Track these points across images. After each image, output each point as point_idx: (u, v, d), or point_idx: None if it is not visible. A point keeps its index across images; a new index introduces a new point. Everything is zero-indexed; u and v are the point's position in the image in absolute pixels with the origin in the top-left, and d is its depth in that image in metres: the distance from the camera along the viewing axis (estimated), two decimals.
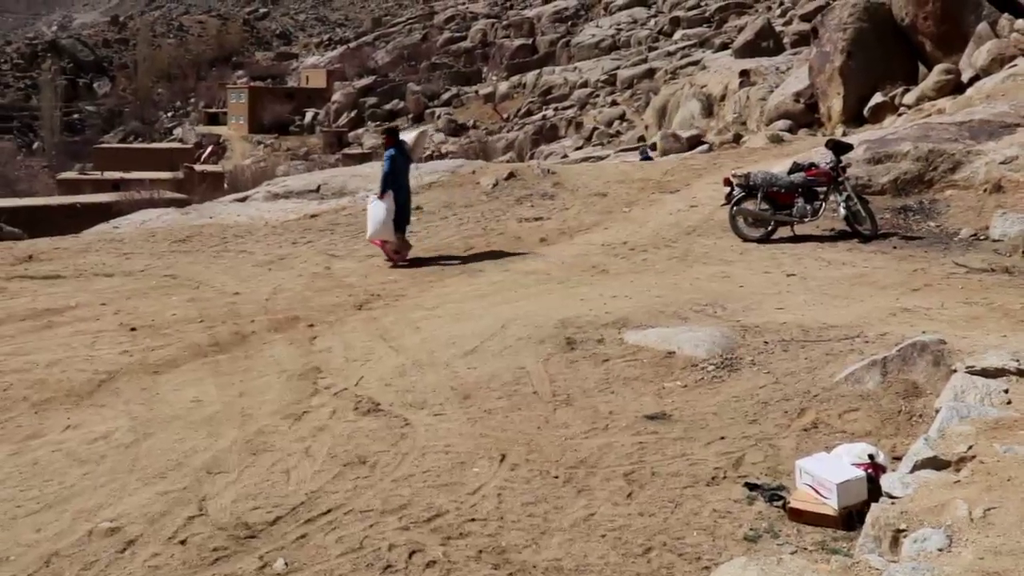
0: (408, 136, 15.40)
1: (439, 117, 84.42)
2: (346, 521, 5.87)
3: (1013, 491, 4.92)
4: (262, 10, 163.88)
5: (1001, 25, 26.09)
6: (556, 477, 6.40)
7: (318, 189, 20.30)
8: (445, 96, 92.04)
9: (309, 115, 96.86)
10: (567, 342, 9.00)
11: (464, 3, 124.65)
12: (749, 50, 47.76)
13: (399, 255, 13.90)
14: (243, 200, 20.56)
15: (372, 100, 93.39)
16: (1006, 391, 6.32)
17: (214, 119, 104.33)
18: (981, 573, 4.20)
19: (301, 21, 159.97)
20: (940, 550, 4.52)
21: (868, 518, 5.14)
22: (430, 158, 39.33)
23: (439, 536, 5.66)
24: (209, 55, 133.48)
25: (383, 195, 13.86)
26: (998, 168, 14.63)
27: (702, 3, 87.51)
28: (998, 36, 25.82)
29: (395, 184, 13.94)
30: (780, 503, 5.91)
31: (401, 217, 13.96)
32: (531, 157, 51.94)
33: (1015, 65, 24.02)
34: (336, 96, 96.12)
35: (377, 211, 13.84)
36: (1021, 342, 7.99)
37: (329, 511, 5.99)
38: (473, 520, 5.84)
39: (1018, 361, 6.85)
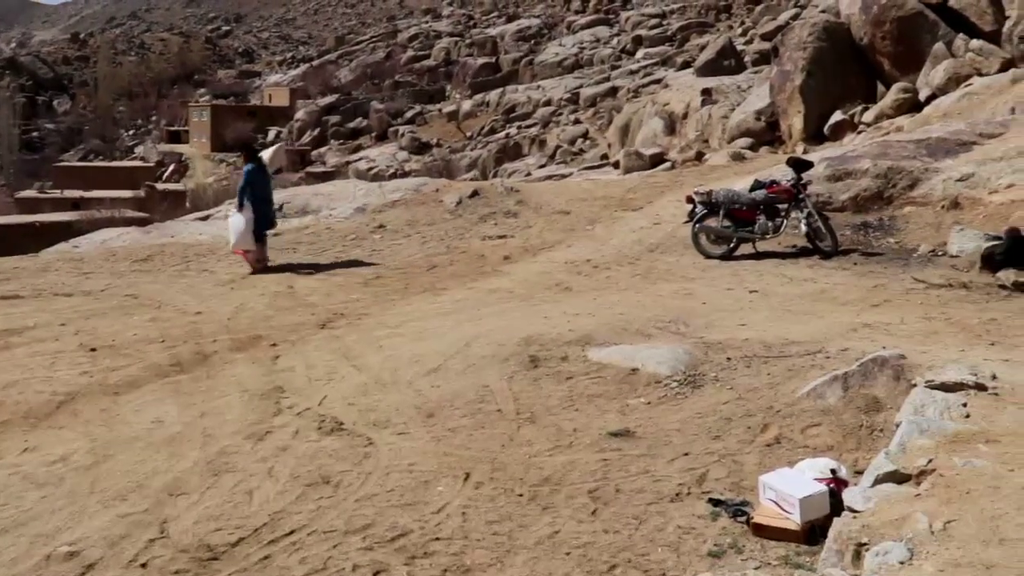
0: (266, 153, 16.98)
1: (403, 135, 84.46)
2: (309, 542, 5.82)
3: (972, 504, 4.97)
4: (225, 28, 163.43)
5: (956, 45, 26.53)
6: (520, 495, 6.39)
7: (281, 208, 20.19)
8: (409, 114, 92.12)
9: (272, 133, 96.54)
10: (531, 360, 9.00)
11: (428, 22, 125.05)
12: (711, 69, 48.22)
13: (260, 263, 14.78)
14: (205, 219, 20.44)
15: (335, 118, 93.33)
16: (965, 405, 6.38)
17: (176, 137, 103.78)
18: None
19: (264, 39, 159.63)
20: (901, 563, 4.55)
21: (831, 532, 5.17)
22: (394, 176, 39.29)
23: (403, 556, 5.63)
24: (171, 73, 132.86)
25: (241, 208, 14.86)
26: (955, 185, 14.83)
27: (664, 22, 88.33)
28: (954, 56, 26.26)
29: (254, 197, 14.91)
30: (744, 518, 5.92)
31: (261, 227, 14.88)
32: (495, 175, 52.08)
33: (970, 84, 24.43)
34: (299, 114, 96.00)
35: (237, 223, 14.80)
36: (979, 357, 8.08)
37: (292, 532, 5.94)
38: (437, 539, 5.81)
39: (976, 375, 6.92)
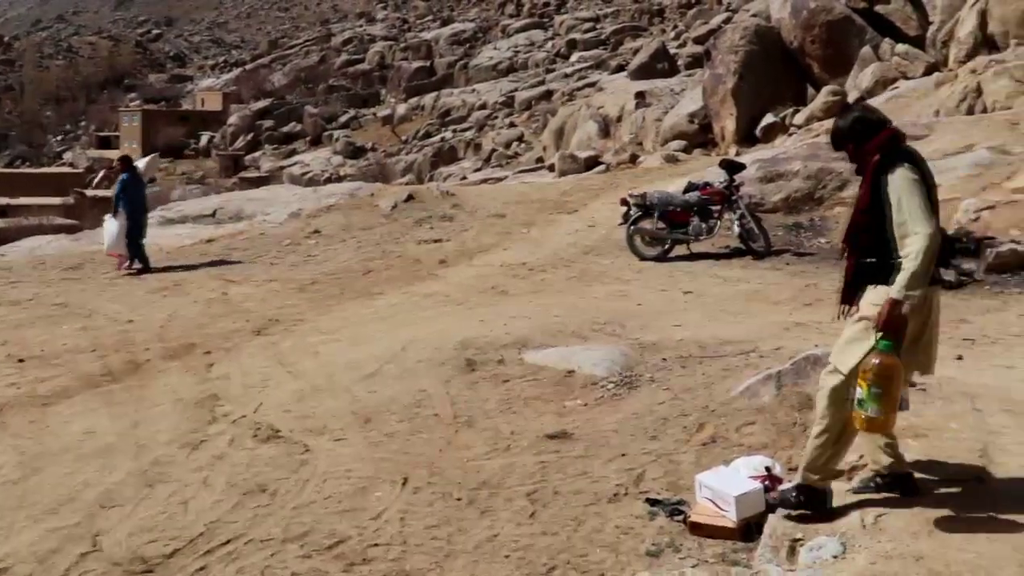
0: (141, 162, 17.84)
1: (337, 140, 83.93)
2: (246, 551, 5.76)
3: (902, 497, 5.08)
4: (155, 32, 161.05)
5: (883, 49, 27.05)
6: (459, 499, 6.38)
7: (214, 214, 20.00)
8: (343, 118, 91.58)
9: (204, 138, 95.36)
10: (467, 363, 9.00)
11: (362, 25, 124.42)
12: (644, 72, 48.56)
13: (129, 266, 15.54)
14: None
15: (269, 123, 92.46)
16: None
17: (106, 143, 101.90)
18: None
19: (196, 43, 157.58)
20: (835, 557, 4.63)
21: (766, 529, 5.24)
22: (328, 180, 39.03)
23: (342, 563, 5.59)
24: (100, 77, 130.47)
25: (116, 214, 15.60)
26: None
27: (598, 26, 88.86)
28: (880, 59, 26.77)
29: (128, 204, 15.67)
30: (681, 517, 5.97)
31: (135, 232, 15.61)
32: (430, 179, 51.97)
33: (897, 87, 24.93)
34: (232, 119, 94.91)
35: (111, 228, 15.64)
36: None
37: (228, 541, 5.87)
38: (376, 545, 5.78)
39: None
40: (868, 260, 5.00)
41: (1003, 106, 19.87)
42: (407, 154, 72.64)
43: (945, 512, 4.89)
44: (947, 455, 5.60)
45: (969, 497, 5.07)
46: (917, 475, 5.31)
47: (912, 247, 4.70)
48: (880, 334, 4.77)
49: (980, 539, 4.60)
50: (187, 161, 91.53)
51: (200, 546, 5.83)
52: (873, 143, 5.06)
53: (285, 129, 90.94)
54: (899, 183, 4.87)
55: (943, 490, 5.17)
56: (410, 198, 19.01)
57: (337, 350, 10.05)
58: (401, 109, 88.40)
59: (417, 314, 11.55)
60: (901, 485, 5.16)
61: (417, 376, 8.82)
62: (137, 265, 15.58)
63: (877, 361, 4.75)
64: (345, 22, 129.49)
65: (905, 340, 4.90)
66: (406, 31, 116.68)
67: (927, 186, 4.99)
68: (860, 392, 4.82)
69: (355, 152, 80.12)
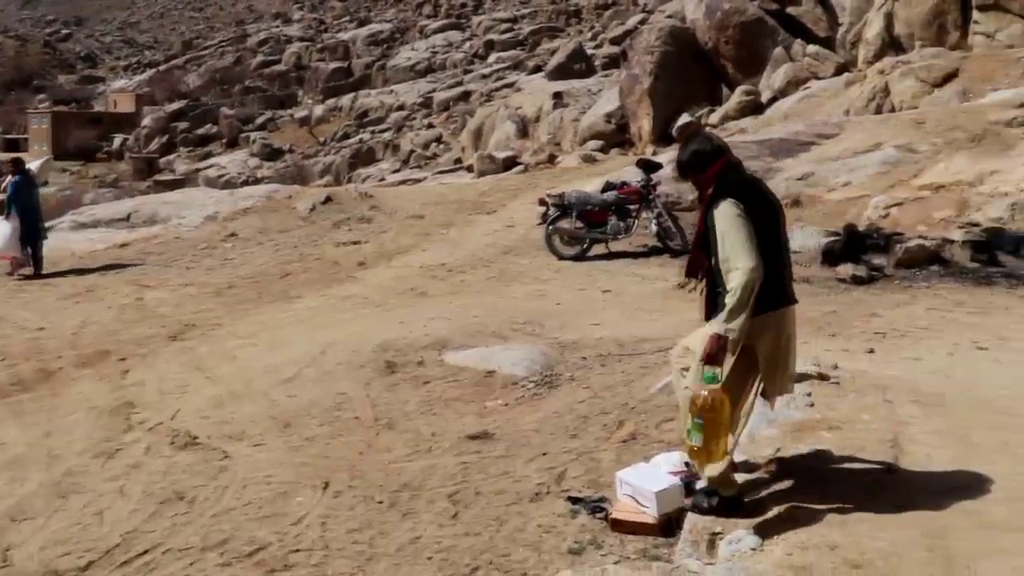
0: (34, 164, 17.90)
1: (254, 141, 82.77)
2: (164, 561, 5.66)
3: (816, 488, 5.19)
4: (64, 31, 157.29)
5: (795, 50, 27.58)
6: (380, 502, 6.35)
7: (128, 217, 19.64)
8: (260, 120, 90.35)
9: (117, 140, 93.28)
10: (387, 366, 8.97)
11: (278, 26, 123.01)
12: (562, 72, 48.84)
13: (23, 268, 15.57)
14: (47, 230, 19.65)
15: (184, 125, 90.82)
16: (808, 395, 6.64)
17: (14, 145, 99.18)
18: (790, 568, 4.40)
19: (107, 43, 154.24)
20: (753, 549, 4.71)
21: (686, 524, 5.31)
22: (245, 183, 38.57)
23: (262, 570, 5.53)
24: (6, 78, 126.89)
25: (8, 216, 15.54)
26: (796, 184, 15.42)
27: (515, 27, 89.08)
28: (793, 60, 27.29)
29: (21, 206, 15.59)
30: (602, 515, 6.01)
31: (29, 235, 15.58)
32: (348, 181, 51.55)
33: (808, 87, 25.44)
34: (146, 121, 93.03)
35: (4, 230, 15.59)
36: (821, 348, 8.42)
37: (146, 551, 5.77)
38: (297, 551, 5.73)
39: (819, 366, 7.21)
40: (718, 290, 5.13)
41: (909, 105, 20.42)
42: (325, 156, 71.92)
43: (858, 502, 5.01)
44: (859, 446, 5.74)
45: (880, 486, 5.20)
46: (832, 466, 5.43)
47: (732, 282, 4.89)
48: (705, 367, 4.98)
49: (891, 527, 4.73)
50: (99, 164, 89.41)
51: (116, 557, 5.72)
52: (708, 174, 5.19)
53: (200, 131, 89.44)
54: (722, 218, 5.02)
55: (856, 480, 5.29)
56: (328, 200, 18.86)
57: (255, 354, 9.94)
58: (318, 110, 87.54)
59: (336, 317, 11.47)
60: (729, 507, 5.26)
61: (336, 379, 8.76)
62: (30, 269, 15.58)
63: (702, 393, 4.98)
64: (261, 22, 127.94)
65: (761, 363, 5.14)
66: (323, 31, 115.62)
67: (766, 214, 5.10)
68: (688, 422, 5.06)
69: (272, 154, 79.09)
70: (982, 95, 19.16)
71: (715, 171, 5.15)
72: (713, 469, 5.20)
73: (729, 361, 5.02)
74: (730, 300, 4.86)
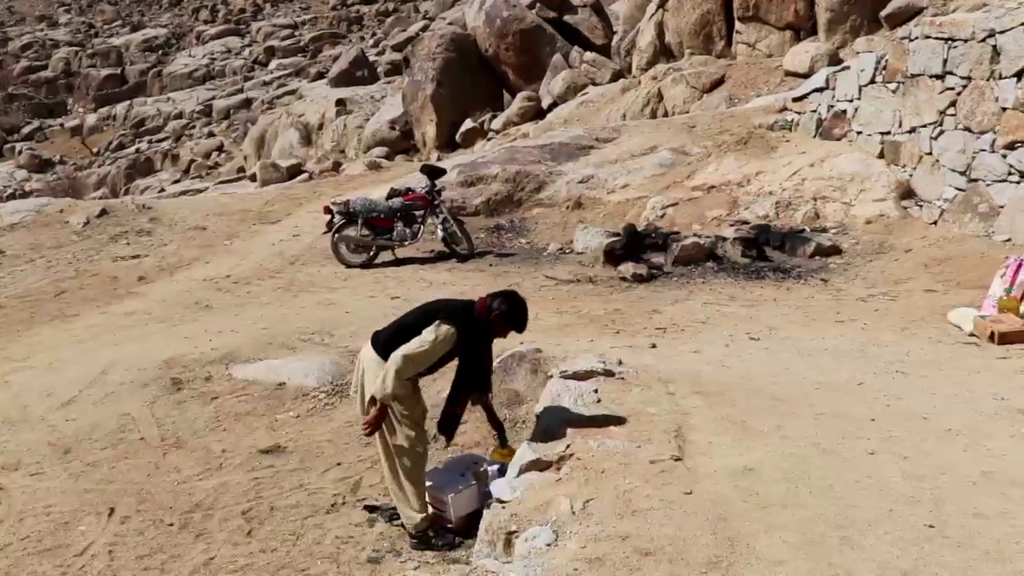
0: None
1: (20, 152, 78.14)
2: None
3: (607, 482, 5.34)
4: None
5: (573, 57, 28.30)
6: (171, 524, 6.13)
7: None
8: (26, 130, 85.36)
9: None
10: (173, 383, 8.66)
11: (43, 30, 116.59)
12: (345, 79, 48.39)
13: None
14: None
15: None
16: (596, 391, 6.83)
17: None
18: (584, 560, 4.51)
19: None
20: (548, 545, 4.80)
21: (482, 524, 5.36)
22: (12, 197, 36.42)
23: None
24: None
25: None
26: (577, 187, 15.84)
27: (296, 33, 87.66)
28: (571, 67, 28.00)
29: None
30: (399, 522, 6.01)
31: None
32: (125, 192, 49.40)
33: (586, 93, 26.17)
34: None
35: None
36: (607, 345, 8.68)
37: None
38: None
39: (604, 363, 7.43)
40: None
41: (681, 110, 21.33)
42: (100, 167, 68.63)
43: (647, 492, 5.19)
44: (646, 438, 5.94)
45: (668, 475, 5.40)
46: (620, 463, 5.59)
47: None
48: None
49: (678, 514, 4.91)
50: None
51: None
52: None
53: None
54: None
55: (645, 471, 5.47)
56: (104, 213, 18.01)
57: (30, 378, 9.39)
58: (91, 119, 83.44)
59: (118, 334, 10.98)
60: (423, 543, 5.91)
61: (120, 399, 8.40)
62: None
63: None
64: (23, 25, 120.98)
65: None
66: (93, 36, 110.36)
67: None
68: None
69: (42, 165, 74.82)
70: (747, 100, 20.21)
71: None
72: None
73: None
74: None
